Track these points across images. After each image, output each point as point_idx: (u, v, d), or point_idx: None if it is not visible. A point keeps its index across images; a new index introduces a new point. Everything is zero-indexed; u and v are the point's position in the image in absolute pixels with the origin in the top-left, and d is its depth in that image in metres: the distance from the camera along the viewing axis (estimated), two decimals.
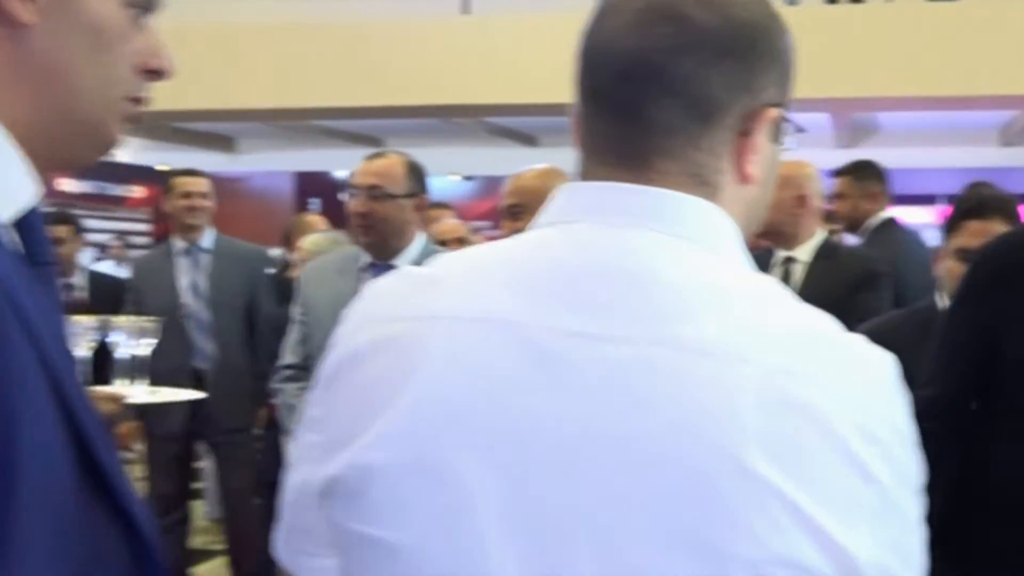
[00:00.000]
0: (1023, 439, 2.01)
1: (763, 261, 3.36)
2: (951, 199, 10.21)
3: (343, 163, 12.37)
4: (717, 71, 0.87)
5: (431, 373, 0.83)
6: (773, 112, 0.90)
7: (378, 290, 0.92)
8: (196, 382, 4.15)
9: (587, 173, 0.92)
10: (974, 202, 2.42)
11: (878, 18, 7.69)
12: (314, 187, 12.78)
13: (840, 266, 3.31)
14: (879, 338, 2.32)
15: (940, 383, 2.08)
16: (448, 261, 0.92)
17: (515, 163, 3.57)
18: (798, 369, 0.79)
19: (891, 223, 4.20)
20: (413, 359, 0.84)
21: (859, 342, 0.84)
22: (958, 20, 7.55)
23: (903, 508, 0.81)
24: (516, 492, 0.80)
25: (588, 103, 0.92)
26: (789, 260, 3.39)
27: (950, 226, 2.43)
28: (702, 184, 0.89)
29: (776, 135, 0.92)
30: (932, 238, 14.37)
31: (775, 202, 2.96)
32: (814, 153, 12.65)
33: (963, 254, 2.32)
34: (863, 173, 4.13)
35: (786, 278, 3.33)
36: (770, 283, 0.86)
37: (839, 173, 4.45)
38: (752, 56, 0.89)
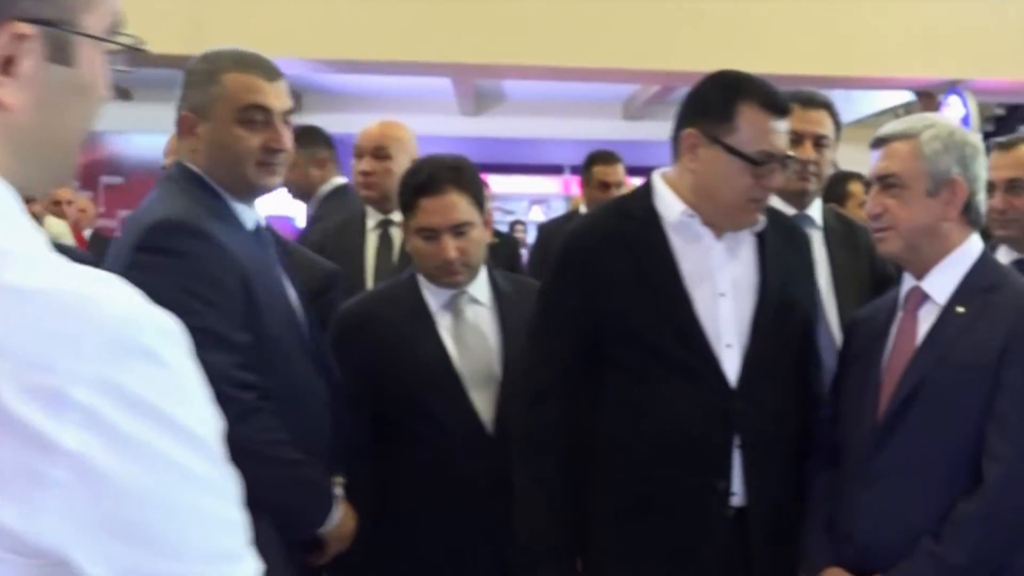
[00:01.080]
0: (626, 400, 2.16)
1: (360, 224, 3.50)
2: (575, 169, 10.55)
3: None
4: None
5: None
6: (22, 27, 0.82)
7: None
8: None
9: None
10: (424, 177, 2.41)
11: None
12: None
13: None
14: (368, 311, 2.18)
15: (550, 361, 2.20)
16: None
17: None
18: None
19: (343, 189, 4.09)
20: None
21: (76, 296, 0.76)
22: None
23: (132, 484, 0.75)
24: None
25: None
26: (386, 223, 3.46)
27: (407, 206, 2.44)
28: None
29: (60, 56, 0.86)
30: (558, 208, 14.90)
31: (389, 168, 2.72)
32: (437, 120, 12.63)
33: (426, 233, 2.38)
34: (309, 139, 3.92)
35: (386, 241, 3.44)
36: None
37: None
38: None
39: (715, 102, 2.11)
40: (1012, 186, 2.79)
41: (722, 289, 2.17)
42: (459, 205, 2.37)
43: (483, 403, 2.39)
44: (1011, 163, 2.81)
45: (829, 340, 2.65)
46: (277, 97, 2.12)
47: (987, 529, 1.94)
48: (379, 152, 3.43)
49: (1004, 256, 2.83)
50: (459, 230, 2.37)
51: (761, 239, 2.24)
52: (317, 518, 2.15)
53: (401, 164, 3.32)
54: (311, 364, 2.19)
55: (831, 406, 2.31)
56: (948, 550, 1.94)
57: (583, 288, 2.16)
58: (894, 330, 2.16)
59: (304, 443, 2.09)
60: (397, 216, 3.32)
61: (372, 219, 3.47)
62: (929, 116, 2.19)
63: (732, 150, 2.08)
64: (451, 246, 2.35)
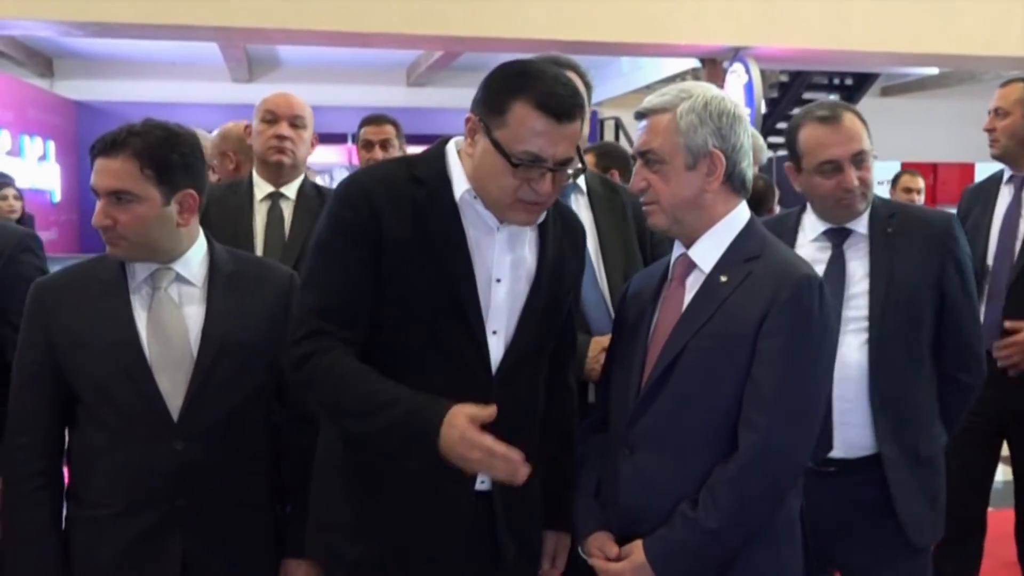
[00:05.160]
0: (387, 375, 2.15)
1: (248, 193, 3.62)
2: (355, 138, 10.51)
3: None
4: None
5: None
6: None
7: None
8: None
9: None
10: (110, 137, 2.34)
11: None
12: None
13: None
14: (61, 284, 2.36)
15: (330, 321, 2.17)
16: None
17: None
18: None
19: None
20: None
21: None
22: None
23: None
24: None
25: None
26: (277, 196, 3.61)
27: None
28: None
29: None
30: (342, 178, 14.96)
31: (303, 137, 3.21)
32: (208, 87, 12.38)
33: (95, 194, 2.34)
34: None
35: (276, 213, 3.58)
36: None
37: None
38: None
39: (495, 93, 2.12)
40: (859, 160, 2.73)
41: (499, 274, 2.22)
42: (121, 171, 2.29)
43: (171, 387, 2.33)
44: (847, 137, 2.73)
45: (602, 305, 2.80)
46: None
47: (739, 494, 2.07)
48: (296, 121, 3.62)
49: (811, 228, 2.85)
50: (118, 196, 2.30)
51: (543, 228, 2.30)
52: None
53: (308, 137, 3.65)
54: None
55: (603, 375, 2.43)
56: (702, 514, 2.07)
57: (369, 246, 2.15)
58: (662, 298, 2.26)
59: None
60: (289, 189, 3.58)
61: (261, 190, 3.58)
62: (688, 87, 2.24)
63: (498, 145, 2.09)
64: (103, 211, 2.31)
